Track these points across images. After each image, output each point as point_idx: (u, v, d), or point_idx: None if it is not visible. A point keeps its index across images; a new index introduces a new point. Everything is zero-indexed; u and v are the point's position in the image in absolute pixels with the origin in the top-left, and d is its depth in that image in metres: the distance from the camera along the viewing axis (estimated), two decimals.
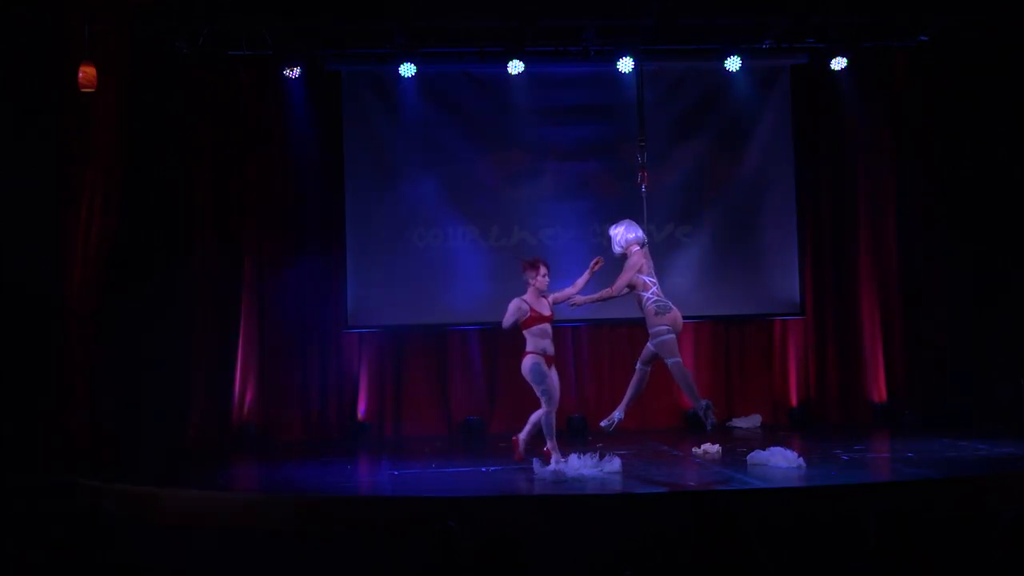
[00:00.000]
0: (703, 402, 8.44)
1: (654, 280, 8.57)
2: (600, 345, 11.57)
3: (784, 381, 11.67)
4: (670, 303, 8.50)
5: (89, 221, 9.27)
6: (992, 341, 11.19)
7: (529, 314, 8.41)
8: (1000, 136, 10.96)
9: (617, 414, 8.64)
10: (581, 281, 8.64)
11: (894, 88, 11.55)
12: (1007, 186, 10.99)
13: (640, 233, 8.67)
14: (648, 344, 8.53)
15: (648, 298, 8.47)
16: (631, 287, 8.51)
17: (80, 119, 9.12)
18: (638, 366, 8.63)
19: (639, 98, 10.46)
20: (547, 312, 8.49)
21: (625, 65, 10.71)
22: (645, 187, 9.56)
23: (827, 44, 10.96)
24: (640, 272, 8.49)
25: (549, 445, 8.45)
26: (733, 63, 10.93)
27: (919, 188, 11.49)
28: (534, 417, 8.53)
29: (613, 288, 8.51)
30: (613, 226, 8.71)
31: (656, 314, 8.43)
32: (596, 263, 8.63)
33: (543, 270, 8.48)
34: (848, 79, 11.29)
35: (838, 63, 10.98)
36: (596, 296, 8.54)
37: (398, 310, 11.30)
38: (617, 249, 8.62)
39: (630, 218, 8.82)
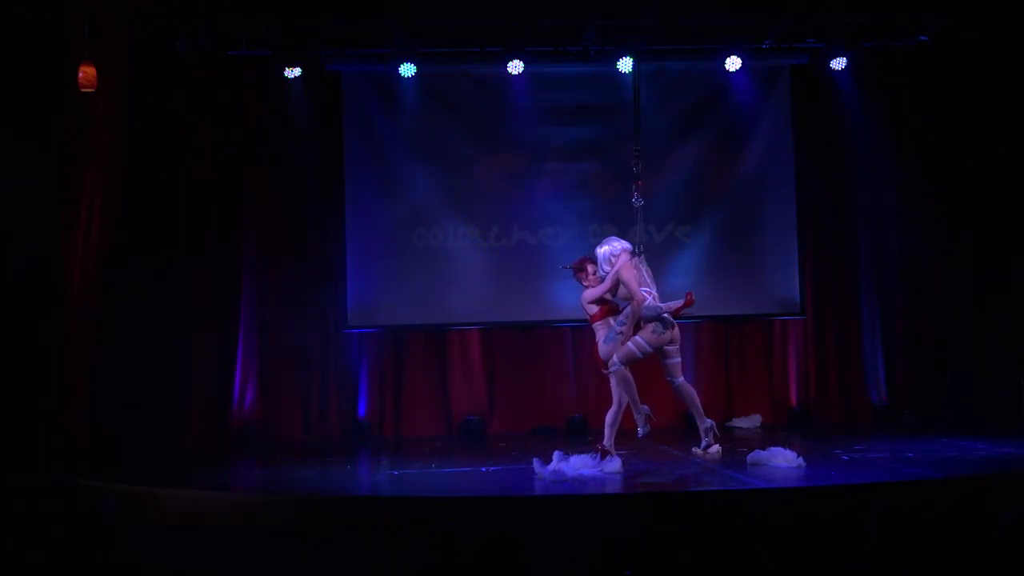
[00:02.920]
0: (644, 407, 8.58)
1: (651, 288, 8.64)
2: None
3: (784, 381, 11.67)
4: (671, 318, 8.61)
5: (89, 221, 9.25)
6: (992, 341, 11.19)
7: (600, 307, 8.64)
8: (1000, 136, 10.96)
9: (704, 431, 8.78)
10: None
11: (894, 88, 11.53)
12: (1007, 186, 10.99)
13: (625, 243, 8.69)
14: (665, 362, 8.62)
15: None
16: (627, 296, 8.58)
17: (80, 119, 9.10)
18: (675, 384, 8.70)
19: (635, 104, 10.36)
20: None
21: (625, 65, 10.71)
22: (639, 198, 9.09)
23: (827, 44, 10.95)
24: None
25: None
26: (733, 63, 10.93)
27: (919, 188, 11.49)
28: (609, 418, 8.60)
29: (634, 303, 8.50)
30: (597, 247, 8.76)
31: (662, 328, 8.51)
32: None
33: (592, 268, 8.73)
34: (848, 79, 11.27)
35: (838, 63, 10.98)
36: (631, 324, 8.56)
37: (398, 310, 11.30)
38: (607, 268, 8.61)
39: (622, 223, 8.84)
